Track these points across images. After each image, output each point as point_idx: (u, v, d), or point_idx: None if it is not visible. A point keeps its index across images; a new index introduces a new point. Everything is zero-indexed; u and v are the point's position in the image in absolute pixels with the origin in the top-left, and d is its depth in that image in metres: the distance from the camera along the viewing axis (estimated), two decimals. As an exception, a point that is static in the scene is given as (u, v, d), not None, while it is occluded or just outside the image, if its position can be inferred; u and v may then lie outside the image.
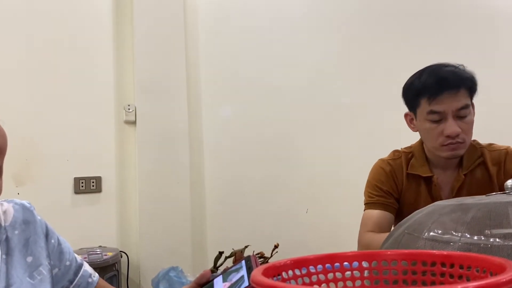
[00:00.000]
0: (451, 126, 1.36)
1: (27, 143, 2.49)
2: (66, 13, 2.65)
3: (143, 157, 2.68)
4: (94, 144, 2.66)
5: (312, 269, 0.64)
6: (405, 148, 1.58)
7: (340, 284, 0.65)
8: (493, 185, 1.45)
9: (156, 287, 2.38)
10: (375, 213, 1.51)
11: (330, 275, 0.65)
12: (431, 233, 0.79)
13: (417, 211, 0.93)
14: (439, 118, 1.38)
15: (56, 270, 0.98)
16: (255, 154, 2.90)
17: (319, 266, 0.65)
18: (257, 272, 0.55)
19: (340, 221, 2.91)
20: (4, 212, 0.95)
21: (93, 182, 2.64)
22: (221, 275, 0.87)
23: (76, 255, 1.05)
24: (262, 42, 2.97)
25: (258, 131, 2.92)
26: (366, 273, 0.66)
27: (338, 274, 0.65)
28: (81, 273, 1.02)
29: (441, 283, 0.61)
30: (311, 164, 2.95)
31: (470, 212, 0.79)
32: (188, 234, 2.72)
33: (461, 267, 0.59)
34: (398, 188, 1.53)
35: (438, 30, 3.16)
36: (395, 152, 1.59)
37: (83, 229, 2.56)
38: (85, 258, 2.26)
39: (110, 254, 2.40)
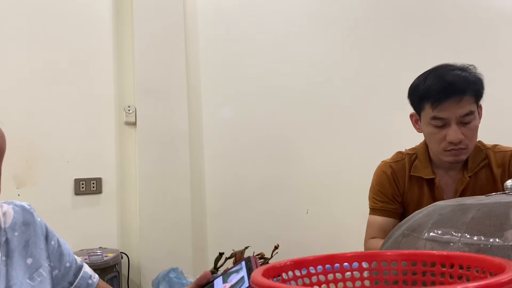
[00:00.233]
0: (454, 133, 1.35)
1: (27, 144, 2.49)
2: (66, 14, 2.65)
3: (143, 158, 2.68)
4: (94, 145, 2.65)
5: (312, 269, 0.64)
6: (409, 149, 1.57)
7: (340, 284, 0.65)
8: (497, 187, 1.42)
9: (156, 288, 2.38)
10: (379, 219, 1.52)
11: (330, 276, 0.65)
12: (431, 234, 0.79)
13: (417, 211, 0.93)
14: (442, 124, 1.37)
15: (56, 271, 0.98)
16: (256, 155, 2.90)
17: (319, 267, 0.65)
18: (257, 273, 0.55)
19: (341, 221, 2.91)
20: (4, 214, 0.95)
21: (93, 183, 2.64)
22: (221, 276, 0.87)
23: (76, 257, 1.05)
24: (262, 42, 2.97)
25: (258, 132, 2.92)
26: (366, 274, 0.66)
27: (338, 275, 0.65)
28: (81, 274, 1.02)
29: (441, 283, 0.61)
30: (311, 165, 2.95)
31: (470, 212, 0.78)
32: (189, 235, 2.72)
33: (461, 267, 0.59)
34: (400, 191, 1.52)
35: (438, 31, 3.16)
36: (399, 153, 1.57)
37: (83, 230, 2.56)
38: (85, 259, 2.26)
39: (110, 255, 2.40)
